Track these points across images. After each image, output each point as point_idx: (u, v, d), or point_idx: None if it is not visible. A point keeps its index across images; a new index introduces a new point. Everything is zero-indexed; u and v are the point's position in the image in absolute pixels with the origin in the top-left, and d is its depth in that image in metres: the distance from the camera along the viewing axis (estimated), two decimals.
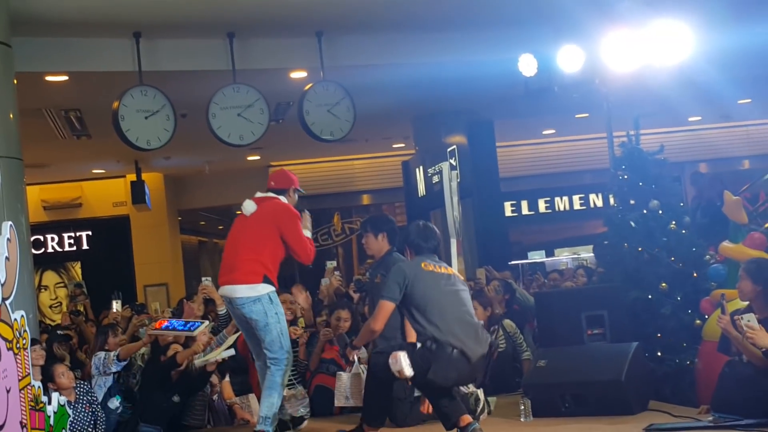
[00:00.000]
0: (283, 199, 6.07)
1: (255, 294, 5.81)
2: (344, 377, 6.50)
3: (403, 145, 15.50)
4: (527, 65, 8.65)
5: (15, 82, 7.44)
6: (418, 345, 5.24)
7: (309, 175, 16.21)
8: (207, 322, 6.77)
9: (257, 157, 14.93)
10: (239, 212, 6.19)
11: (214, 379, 6.96)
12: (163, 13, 8.44)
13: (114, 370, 6.74)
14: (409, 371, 5.05)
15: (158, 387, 6.50)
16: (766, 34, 8.50)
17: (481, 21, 9.37)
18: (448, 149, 12.77)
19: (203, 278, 7.80)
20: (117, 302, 9.59)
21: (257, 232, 5.91)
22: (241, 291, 5.80)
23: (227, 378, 7.22)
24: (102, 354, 6.84)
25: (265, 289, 5.83)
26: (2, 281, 4.09)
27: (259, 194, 6.12)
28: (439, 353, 5.10)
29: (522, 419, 6.14)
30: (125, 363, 6.82)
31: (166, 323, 6.82)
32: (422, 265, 5.33)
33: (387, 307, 5.31)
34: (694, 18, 7.52)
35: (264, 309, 5.82)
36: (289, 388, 6.63)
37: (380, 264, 6.24)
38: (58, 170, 14.73)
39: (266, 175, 16.40)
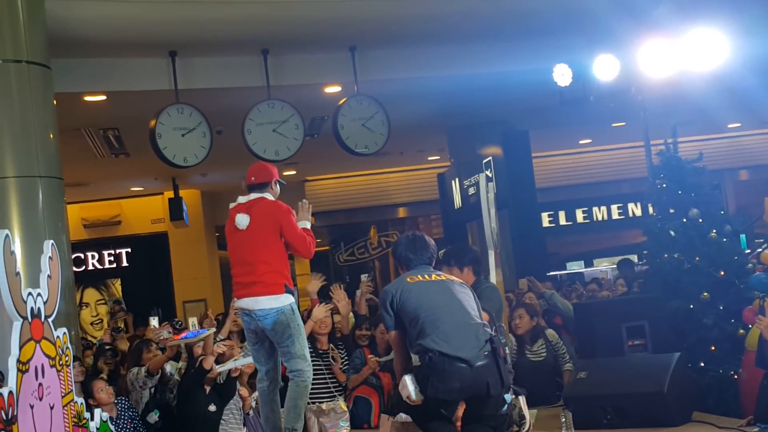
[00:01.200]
0: (268, 195, 5.82)
1: (278, 305, 5.64)
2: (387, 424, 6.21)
3: (438, 157, 15.49)
4: (562, 75, 8.61)
5: (54, 102, 7.54)
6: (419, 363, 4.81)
7: (344, 189, 16.26)
8: (213, 329, 6.81)
9: (293, 172, 15.00)
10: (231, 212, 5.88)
11: (244, 391, 6.97)
12: (198, 32, 8.53)
13: (149, 384, 6.79)
14: (415, 396, 4.62)
15: (193, 398, 6.55)
16: None
17: (515, 31, 9.35)
18: (484, 161, 12.73)
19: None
20: (155, 318, 9.66)
21: (261, 240, 5.69)
22: (264, 302, 5.61)
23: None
24: (135, 369, 6.90)
25: (287, 300, 5.67)
26: (44, 299, 4.13)
27: (241, 199, 5.87)
28: (436, 365, 4.62)
29: None
30: (158, 377, 6.86)
31: (184, 335, 6.92)
32: (408, 279, 4.94)
33: (393, 338, 4.97)
34: (730, 24, 7.45)
35: (287, 320, 5.65)
36: (328, 401, 6.62)
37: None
38: (97, 188, 14.91)
39: (302, 190, 16.51)
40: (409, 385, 4.64)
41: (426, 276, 4.94)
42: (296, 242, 5.69)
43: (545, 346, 7.51)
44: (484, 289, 5.86)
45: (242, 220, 5.71)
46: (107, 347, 8.75)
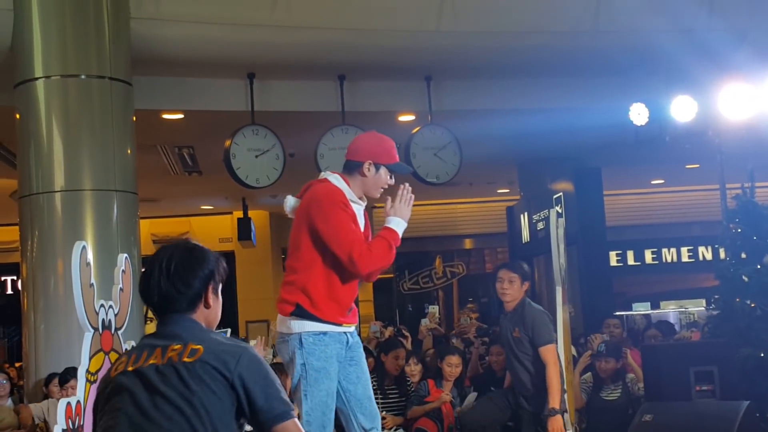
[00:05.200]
0: (333, 178, 4.16)
1: (284, 331, 4.09)
2: None
3: (507, 190, 15.42)
4: (638, 114, 8.54)
5: (134, 119, 7.71)
6: None
7: (412, 217, 16.22)
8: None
9: None
10: None
11: None
12: (277, 56, 8.64)
13: None
14: None
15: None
16: None
17: (591, 69, 9.30)
18: (555, 196, 12.64)
19: None
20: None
21: (293, 239, 4.15)
22: (277, 325, 4.14)
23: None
24: None
25: (299, 326, 4.02)
26: (116, 311, 4.21)
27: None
28: None
29: None
30: None
31: None
32: None
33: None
34: None
35: (290, 355, 4.04)
36: None
37: (517, 317, 5.97)
38: (169, 205, 15.14)
39: (370, 215, 16.50)
40: None
41: None
42: (337, 249, 3.98)
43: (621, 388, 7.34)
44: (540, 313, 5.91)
45: (289, 202, 4.27)
46: None
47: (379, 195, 4.29)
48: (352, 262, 3.96)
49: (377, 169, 4.21)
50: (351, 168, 4.21)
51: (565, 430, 5.64)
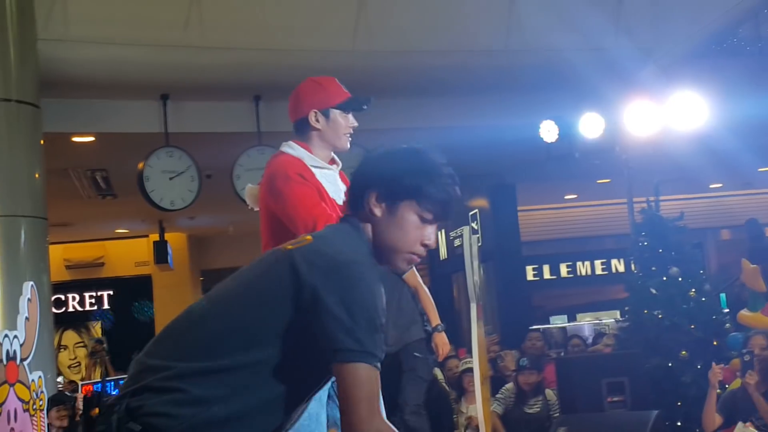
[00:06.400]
0: (290, 150, 3.58)
1: None
2: None
3: None
4: (549, 131, 8.73)
5: (42, 142, 7.56)
6: None
7: None
8: None
9: None
10: None
11: None
12: (191, 77, 8.58)
13: None
14: None
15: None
16: None
17: (503, 86, 9.45)
18: (470, 213, 12.78)
19: None
20: None
21: (262, 236, 3.57)
22: None
23: None
24: None
25: None
26: (21, 342, 4.12)
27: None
28: None
29: None
30: None
31: None
32: None
33: None
34: (711, 88, 7.60)
35: None
36: None
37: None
38: (82, 229, 14.86)
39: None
40: None
41: None
42: (301, 230, 3.26)
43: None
44: None
45: (246, 193, 3.82)
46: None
47: (347, 144, 3.71)
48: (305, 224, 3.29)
49: (326, 115, 3.62)
50: (301, 128, 3.62)
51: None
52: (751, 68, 9.32)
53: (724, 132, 8.03)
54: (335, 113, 3.60)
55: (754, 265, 6.91)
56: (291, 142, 3.57)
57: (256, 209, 3.59)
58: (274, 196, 3.40)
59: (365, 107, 3.70)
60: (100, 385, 8.64)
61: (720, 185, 15.74)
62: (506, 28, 8.90)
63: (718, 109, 7.58)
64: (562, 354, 8.66)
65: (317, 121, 3.56)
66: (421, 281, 5.36)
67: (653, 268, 7.38)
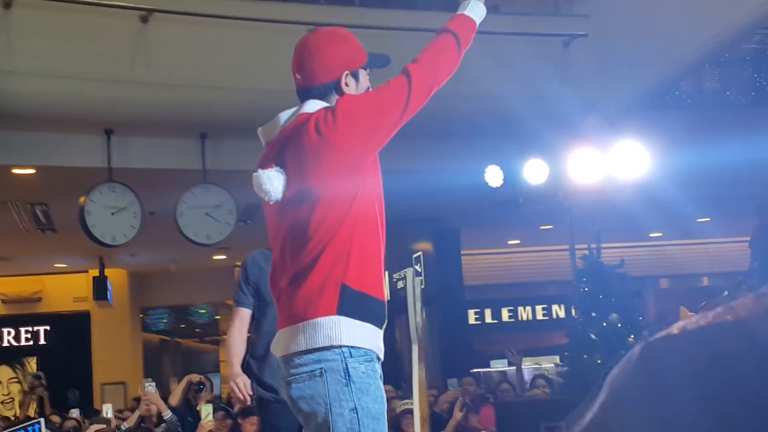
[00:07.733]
0: (317, 106, 2.81)
1: (312, 346, 2.61)
2: None
3: None
4: (493, 176, 8.84)
5: None
6: None
7: None
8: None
9: (223, 257, 14.89)
10: None
11: None
12: (136, 112, 8.52)
13: None
14: None
15: None
16: (719, 156, 8.73)
17: (448, 132, 9.54)
18: (414, 255, 12.82)
19: (146, 383, 7.07)
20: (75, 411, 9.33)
21: (285, 238, 2.91)
22: (286, 342, 2.69)
23: None
24: None
25: (347, 333, 2.66)
26: None
27: (284, 117, 2.99)
28: None
29: None
30: None
31: None
32: None
33: None
34: (653, 138, 7.77)
35: (326, 398, 2.56)
36: None
37: None
38: (20, 264, 14.60)
39: (232, 274, 16.37)
40: None
41: None
42: (389, 117, 2.92)
43: None
44: None
45: (260, 179, 2.91)
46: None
47: None
48: (410, 95, 2.87)
49: (356, 77, 2.88)
50: (325, 93, 2.83)
51: None
52: (692, 120, 9.57)
53: (665, 182, 8.21)
54: (363, 74, 2.90)
55: (692, 313, 7.03)
56: (314, 101, 2.83)
57: (272, 201, 2.90)
58: (348, 114, 2.71)
59: (386, 64, 2.98)
60: None
61: (660, 234, 16.03)
62: (456, 74, 9.01)
63: (659, 160, 7.75)
64: (491, 400, 8.68)
65: (347, 85, 2.84)
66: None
67: (593, 314, 7.47)
